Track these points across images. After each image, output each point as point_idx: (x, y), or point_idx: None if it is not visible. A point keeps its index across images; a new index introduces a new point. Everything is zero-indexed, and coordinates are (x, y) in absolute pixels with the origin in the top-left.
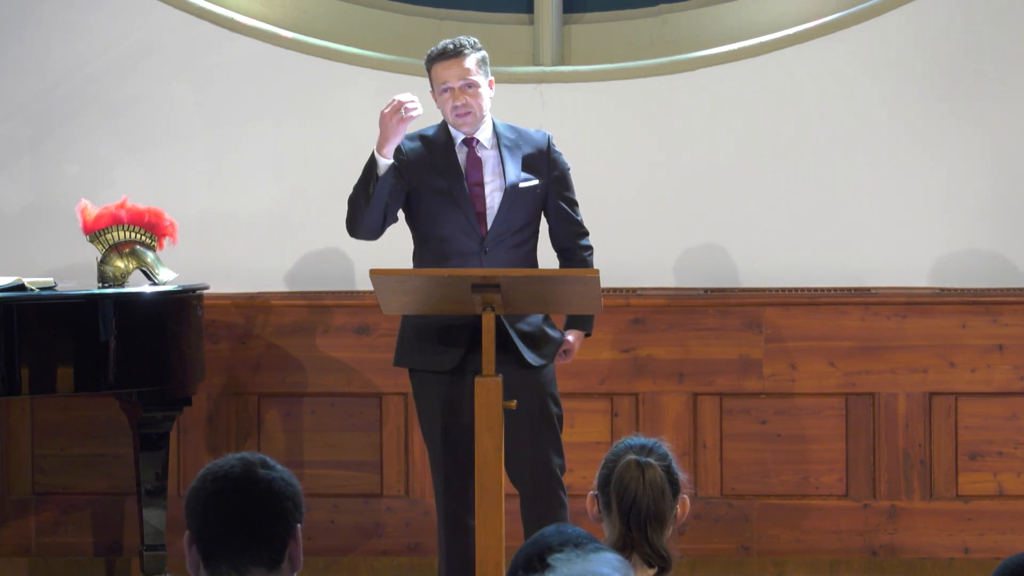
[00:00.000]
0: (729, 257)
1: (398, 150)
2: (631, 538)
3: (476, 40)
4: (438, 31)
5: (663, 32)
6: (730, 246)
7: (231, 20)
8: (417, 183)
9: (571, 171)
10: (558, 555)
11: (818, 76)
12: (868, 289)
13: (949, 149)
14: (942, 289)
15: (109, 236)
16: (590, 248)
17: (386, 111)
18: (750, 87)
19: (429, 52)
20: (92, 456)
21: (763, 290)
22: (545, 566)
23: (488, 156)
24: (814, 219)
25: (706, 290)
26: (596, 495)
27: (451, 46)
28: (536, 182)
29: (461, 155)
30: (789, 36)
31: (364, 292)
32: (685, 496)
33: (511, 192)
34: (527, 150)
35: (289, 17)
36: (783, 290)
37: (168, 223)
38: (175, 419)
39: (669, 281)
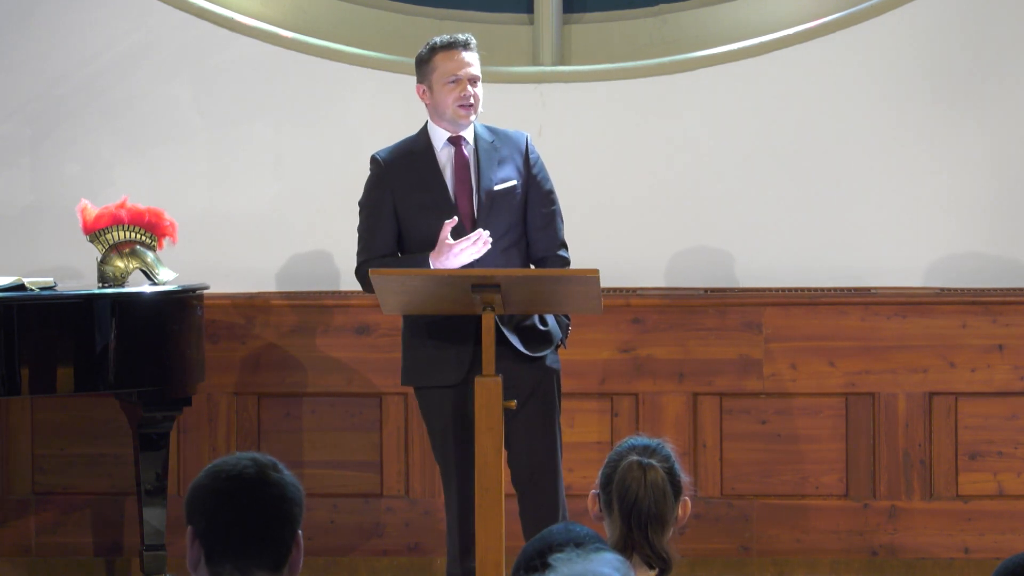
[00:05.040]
0: (729, 257)
1: (381, 170)
2: (632, 539)
3: None
4: (438, 31)
5: (663, 32)
6: (730, 246)
7: (231, 20)
8: (403, 202)
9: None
10: (558, 555)
11: (818, 76)
12: (868, 289)
13: (949, 149)
14: (942, 289)
15: (109, 236)
16: (567, 261)
17: (462, 245)
18: (750, 87)
19: (432, 43)
20: (92, 456)
21: (763, 290)
22: (546, 565)
23: (471, 155)
24: (814, 219)
25: (706, 290)
26: (598, 494)
27: (462, 37)
28: (514, 182)
29: (445, 155)
30: (789, 36)
31: (364, 292)
32: (687, 498)
33: (486, 194)
34: (504, 152)
35: (289, 17)
36: (783, 290)
37: (168, 223)
38: (175, 419)
39: (669, 281)
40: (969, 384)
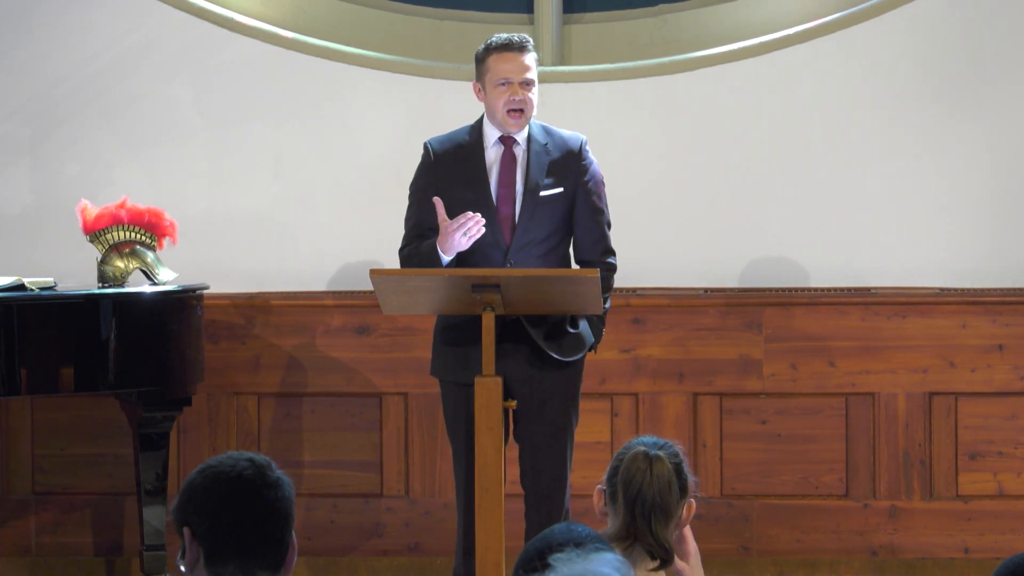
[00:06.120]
0: (729, 257)
1: (429, 159)
2: (635, 527)
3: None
4: (438, 31)
5: (663, 32)
6: (730, 246)
7: (231, 20)
8: (445, 195)
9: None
10: (558, 555)
11: (818, 76)
12: (868, 289)
13: (949, 149)
14: (942, 289)
15: (109, 236)
16: (612, 267)
17: (454, 226)
18: (750, 87)
19: (488, 42)
20: (92, 456)
21: (763, 290)
22: (545, 565)
23: (521, 157)
24: (814, 219)
25: (706, 290)
26: (603, 489)
27: (516, 39)
28: (560, 190)
29: (492, 154)
30: (789, 36)
31: (364, 292)
32: (692, 499)
33: (530, 199)
34: (556, 155)
35: (289, 17)
36: (783, 290)
37: (168, 223)
38: (175, 419)
39: (669, 281)
40: (969, 384)
